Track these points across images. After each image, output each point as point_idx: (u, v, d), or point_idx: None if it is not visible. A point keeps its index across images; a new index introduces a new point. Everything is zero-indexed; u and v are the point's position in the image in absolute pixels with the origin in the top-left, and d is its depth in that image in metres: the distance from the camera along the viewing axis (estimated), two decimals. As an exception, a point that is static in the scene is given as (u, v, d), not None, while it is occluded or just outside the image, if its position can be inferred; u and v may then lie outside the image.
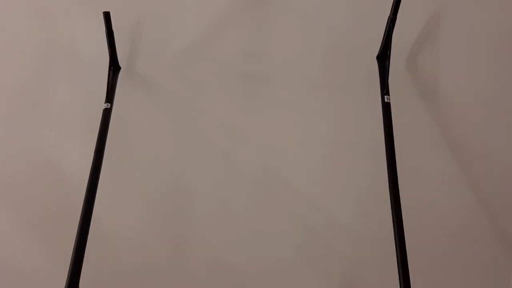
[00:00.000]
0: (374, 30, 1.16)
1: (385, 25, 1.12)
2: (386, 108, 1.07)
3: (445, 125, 1.20)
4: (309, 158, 1.20)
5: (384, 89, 1.10)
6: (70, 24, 1.24)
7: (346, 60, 1.21)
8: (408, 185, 1.12)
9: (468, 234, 1.18)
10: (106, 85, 1.14)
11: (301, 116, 1.21)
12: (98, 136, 1.07)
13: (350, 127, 1.20)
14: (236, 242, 1.20)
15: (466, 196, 1.18)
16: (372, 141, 1.14)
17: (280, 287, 1.19)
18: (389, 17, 1.10)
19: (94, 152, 1.04)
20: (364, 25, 1.20)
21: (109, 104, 1.12)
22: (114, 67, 1.19)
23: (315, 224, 1.19)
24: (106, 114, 1.11)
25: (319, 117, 1.21)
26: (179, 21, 1.24)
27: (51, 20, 1.24)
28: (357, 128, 1.20)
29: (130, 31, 1.23)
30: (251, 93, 1.23)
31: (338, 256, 1.18)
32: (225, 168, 1.22)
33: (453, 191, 1.19)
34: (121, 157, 1.21)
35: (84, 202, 0.97)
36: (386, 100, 1.08)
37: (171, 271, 1.20)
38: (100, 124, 1.09)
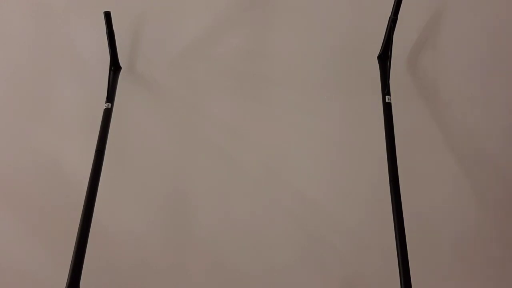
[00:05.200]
0: (375, 30, 1.16)
1: (386, 25, 1.12)
2: (387, 108, 1.07)
3: (446, 125, 1.20)
4: (310, 159, 1.20)
5: (385, 89, 1.10)
6: (71, 24, 1.24)
7: (347, 60, 1.21)
8: (409, 185, 1.12)
9: (469, 235, 1.18)
10: (106, 85, 1.14)
11: (302, 116, 1.21)
12: (98, 136, 1.07)
13: (351, 127, 1.20)
14: (236, 242, 1.20)
15: (467, 196, 1.18)
16: (373, 141, 1.14)
17: (280, 285, 1.19)
18: (390, 17, 1.10)
19: (95, 152, 1.04)
20: (365, 25, 1.20)
21: (110, 104, 1.12)
22: (114, 67, 1.19)
23: (315, 225, 1.19)
24: (107, 114, 1.10)
25: (320, 117, 1.21)
26: (179, 21, 1.24)
27: (52, 20, 1.24)
28: (358, 128, 1.20)
29: (131, 31, 1.23)
30: (251, 93, 1.23)
31: (339, 256, 1.18)
32: (225, 168, 1.22)
33: (453, 191, 1.19)
34: (122, 157, 1.21)
35: (84, 202, 0.97)
36: (387, 100, 1.08)
37: (172, 272, 1.20)
38: (101, 124, 1.09)
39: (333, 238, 1.18)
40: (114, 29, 1.14)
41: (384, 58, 1.14)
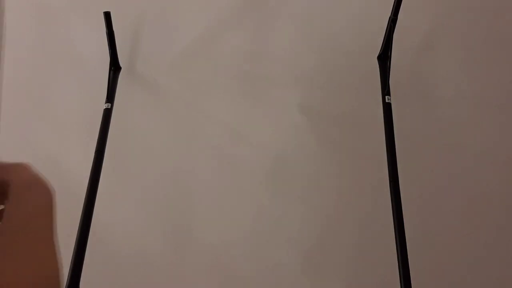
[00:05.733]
0: (375, 30, 1.16)
1: (386, 25, 1.12)
2: (387, 108, 1.07)
3: (445, 125, 1.20)
4: (309, 159, 1.20)
5: (385, 90, 1.10)
6: (71, 24, 1.24)
7: (347, 60, 1.21)
8: (408, 185, 1.12)
9: (469, 235, 1.18)
10: (106, 85, 1.14)
11: (301, 116, 1.21)
12: (98, 136, 1.07)
13: (351, 127, 1.20)
14: (236, 242, 1.20)
15: (467, 196, 1.18)
16: (373, 141, 1.14)
17: (280, 286, 1.19)
18: (390, 17, 1.10)
19: (95, 152, 1.04)
20: (365, 25, 1.20)
21: (110, 104, 1.12)
22: (114, 67, 1.19)
23: (315, 224, 1.19)
24: (107, 114, 1.11)
25: (320, 117, 1.21)
26: (179, 21, 1.24)
27: (52, 20, 1.24)
28: (357, 128, 1.20)
29: (131, 31, 1.23)
30: (251, 93, 1.23)
31: (338, 255, 1.18)
32: (225, 168, 1.22)
33: (453, 191, 1.19)
34: (122, 157, 1.21)
35: (84, 202, 0.97)
36: (387, 101, 1.08)
37: (172, 272, 1.20)
38: (101, 124, 1.09)
39: (333, 238, 1.18)
40: (114, 29, 1.14)
41: (384, 58, 1.14)
